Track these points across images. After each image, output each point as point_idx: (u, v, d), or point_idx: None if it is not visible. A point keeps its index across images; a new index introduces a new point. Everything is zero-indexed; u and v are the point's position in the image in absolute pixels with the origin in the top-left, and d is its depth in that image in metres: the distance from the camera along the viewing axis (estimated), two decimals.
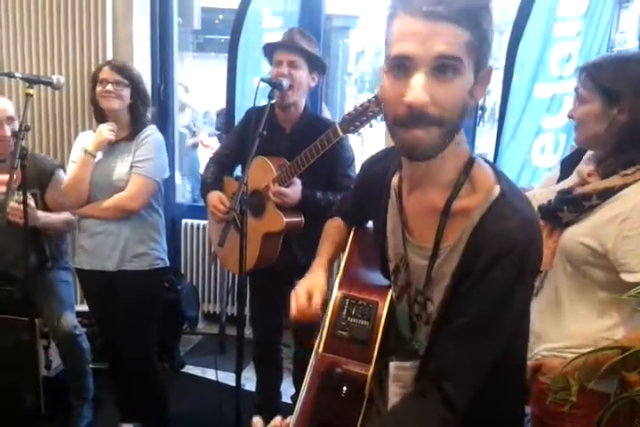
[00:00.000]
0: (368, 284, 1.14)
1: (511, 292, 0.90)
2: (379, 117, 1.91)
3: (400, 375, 1.06)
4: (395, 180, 1.06)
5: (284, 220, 2.14)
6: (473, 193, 0.94)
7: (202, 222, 3.57)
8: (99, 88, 2.22)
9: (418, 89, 0.83)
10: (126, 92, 2.23)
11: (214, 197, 2.34)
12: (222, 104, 3.49)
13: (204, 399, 2.91)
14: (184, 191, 4.47)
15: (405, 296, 1.05)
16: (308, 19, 3.28)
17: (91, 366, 2.65)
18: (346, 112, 1.97)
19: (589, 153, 1.53)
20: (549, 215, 1.45)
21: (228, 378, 2.91)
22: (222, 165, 2.42)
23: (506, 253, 0.89)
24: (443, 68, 0.84)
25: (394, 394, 1.07)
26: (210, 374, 3.18)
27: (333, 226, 1.39)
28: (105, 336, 2.51)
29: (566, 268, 1.43)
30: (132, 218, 2.25)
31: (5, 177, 1.93)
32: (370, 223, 1.30)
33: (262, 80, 2.10)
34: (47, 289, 2.43)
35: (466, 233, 0.92)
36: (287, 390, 2.70)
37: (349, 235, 1.32)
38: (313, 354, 1.15)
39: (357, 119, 1.91)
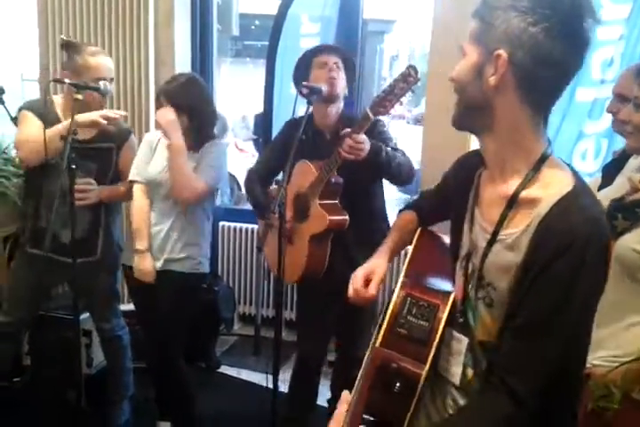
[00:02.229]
0: (431, 285, 1.15)
1: (573, 286, 0.91)
2: (407, 94, 1.92)
3: (452, 344, 1.10)
4: (480, 170, 1.11)
5: (328, 217, 2.14)
6: (544, 186, 0.97)
7: (239, 225, 3.62)
8: None
9: None
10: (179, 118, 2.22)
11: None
12: (259, 109, 3.53)
13: (239, 399, 2.95)
14: (222, 194, 4.53)
15: (472, 281, 1.07)
16: (345, 24, 3.31)
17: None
18: (374, 95, 1.99)
19: (638, 160, 1.49)
20: None
21: (261, 379, 2.95)
22: (267, 182, 2.40)
23: (565, 248, 0.90)
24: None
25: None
26: (244, 374, 3.22)
27: (404, 218, 1.41)
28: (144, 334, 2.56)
29: (621, 276, 1.39)
30: (183, 221, 2.28)
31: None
32: (436, 227, 1.33)
33: (302, 85, 2.14)
34: (95, 283, 2.44)
35: (533, 225, 0.94)
36: (324, 392, 2.72)
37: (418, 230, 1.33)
38: (370, 347, 1.17)
39: (386, 99, 1.93)
